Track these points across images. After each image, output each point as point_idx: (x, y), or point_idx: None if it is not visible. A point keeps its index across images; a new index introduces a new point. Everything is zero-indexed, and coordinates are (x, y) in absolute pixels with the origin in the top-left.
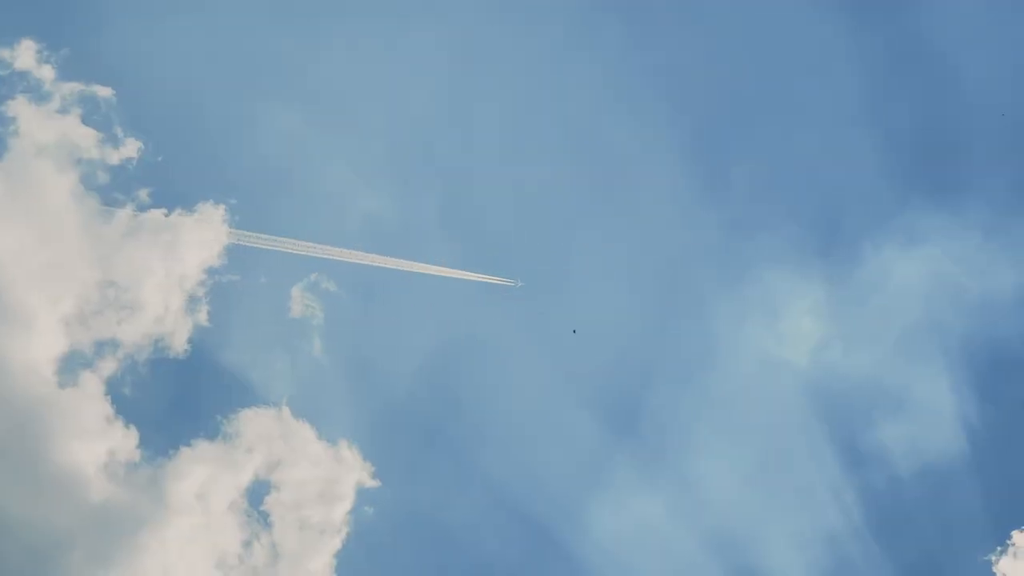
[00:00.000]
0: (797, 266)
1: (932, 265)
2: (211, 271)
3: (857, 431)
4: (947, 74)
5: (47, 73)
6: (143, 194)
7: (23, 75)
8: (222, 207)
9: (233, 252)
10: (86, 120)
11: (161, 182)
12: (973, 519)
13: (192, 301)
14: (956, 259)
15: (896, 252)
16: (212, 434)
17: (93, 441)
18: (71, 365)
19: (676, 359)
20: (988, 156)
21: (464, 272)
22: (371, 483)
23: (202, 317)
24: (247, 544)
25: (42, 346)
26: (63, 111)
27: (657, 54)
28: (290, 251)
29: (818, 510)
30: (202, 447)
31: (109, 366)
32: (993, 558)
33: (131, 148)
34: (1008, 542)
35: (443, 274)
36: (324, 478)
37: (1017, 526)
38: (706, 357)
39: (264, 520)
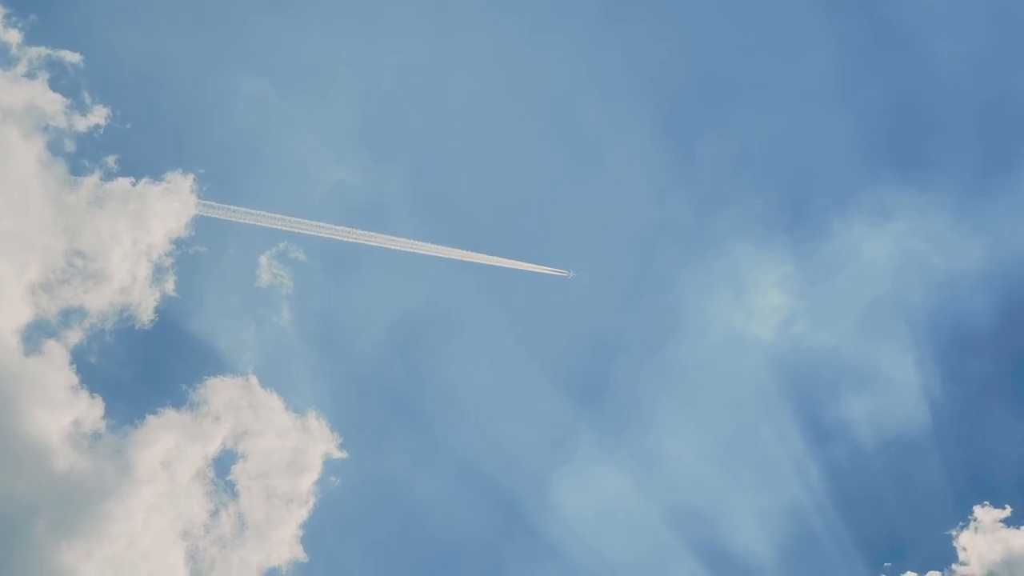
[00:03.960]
0: (765, 240)
1: (900, 241)
2: (178, 241)
3: (822, 405)
4: (919, 50)
5: (14, 37)
6: (110, 162)
7: None
8: (191, 176)
9: (201, 222)
10: (53, 86)
11: (129, 150)
12: (936, 494)
13: (159, 271)
14: (924, 236)
15: (864, 228)
16: (178, 403)
17: (58, 410)
18: (36, 334)
19: (642, 333)
20: (958, 134)
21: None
22: (338, 454)
23: (169, 287)
24: (213, 514)
25: (7, 315)
26: (30, 76)
27: (628, 30)
28: (259, 224)
29: (782, 484)
30: (168, 416)
31: (75, 335)
32: (954, 532)
33: (99, 115)
34: (970, 517)
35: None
36: (291, 448)
37: (979, 501)
38: (672, 331)
39: (230, 490)
